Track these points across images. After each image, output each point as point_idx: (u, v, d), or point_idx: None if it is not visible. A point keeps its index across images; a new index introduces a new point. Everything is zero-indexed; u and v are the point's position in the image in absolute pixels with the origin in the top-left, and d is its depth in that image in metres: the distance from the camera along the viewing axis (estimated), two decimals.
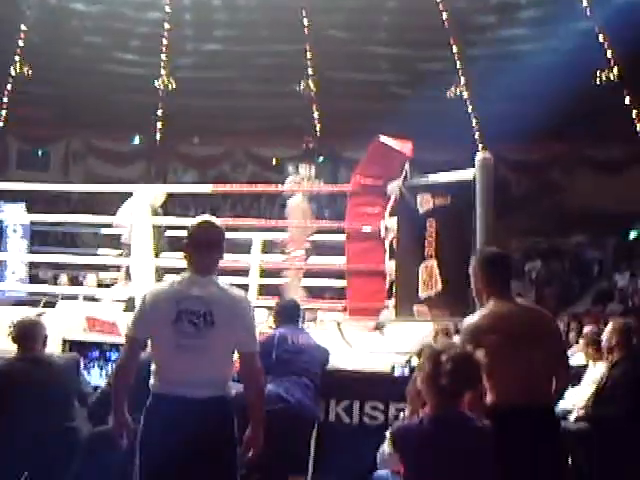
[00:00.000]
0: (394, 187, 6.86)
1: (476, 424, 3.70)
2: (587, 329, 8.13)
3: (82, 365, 5.95)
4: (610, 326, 6.88)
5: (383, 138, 7.12)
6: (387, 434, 3.80)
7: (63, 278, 12.51)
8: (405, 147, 7.18)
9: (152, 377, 4.16)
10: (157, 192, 8.86)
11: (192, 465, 3.99)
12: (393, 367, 5.51)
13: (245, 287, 8.65)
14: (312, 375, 5.88)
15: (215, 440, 4.04)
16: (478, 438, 3.67)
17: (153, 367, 4.18)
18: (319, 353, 6.07)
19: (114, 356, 6.01)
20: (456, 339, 4.93)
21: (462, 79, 22.70)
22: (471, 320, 4.33)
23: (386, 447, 3.81)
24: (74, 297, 9.59)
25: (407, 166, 7.06)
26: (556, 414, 4.50)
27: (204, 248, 4.25)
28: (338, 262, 8.03)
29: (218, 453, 4.06)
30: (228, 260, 8.60)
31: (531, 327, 4.29)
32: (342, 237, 7.79)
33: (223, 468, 4.10)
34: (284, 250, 8.69)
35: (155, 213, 8.52)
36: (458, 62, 22.40)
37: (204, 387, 4.05)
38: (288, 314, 6.23)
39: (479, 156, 6.46)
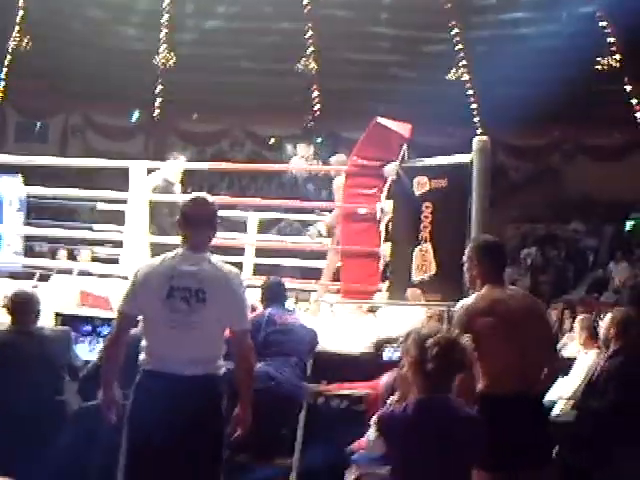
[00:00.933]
0: (391, 169, 6.83)
1: (462, 411, 3.69)
2: (582, 315, 8.12)
3: (73, 339, 5.97)
4: (609, 316, 6.87)
5: (381, 119, 7.08)
6: (373, 420, 3.80)
7: (62, 253, 12.45)
8: (404, 129, 7.14)
9: (142, 353, 4.16)
10: (176, 168, 8.81)
11: (179, 442, 3.99)
12: (382, 351, 5.51)
13: (240, 266, 8.67)
14: (301, 355, 5.90)
15: (202, 418, 4.05)
16: (464, 425, 3.64)
17: (144, 343, 4.18)
18: (307, 334, 6.08)
19: (106, 331, 6.01)
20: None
21: (463, 62, 22.61)
22: (467, 301, 4.35)
23: (372, 432, 3.81)
24: (69, 271, 9.57)
25: (405, 148, 7.03)
26: (544, 403, 4.51)
27: (197, 224, 4.25)
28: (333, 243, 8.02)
29: (205, 431, 4.07)
30: (225, 238, 8.65)
31: (523, 314, 4.31)
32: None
33: (209, 446, 4.11)
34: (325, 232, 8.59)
35: (167, 190, 8.45)
36: (459, 44, 22.32)
37: (194, 364, 4.05)
38: (275, 294, 6.24)
39: (476, 140, 6.43)
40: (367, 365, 5.66)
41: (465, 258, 4.58)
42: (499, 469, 4.07)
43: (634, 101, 21.85)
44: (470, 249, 4.60)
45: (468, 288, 4.64)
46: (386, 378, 5.22)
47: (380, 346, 5.44)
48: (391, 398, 4.18)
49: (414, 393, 3.73)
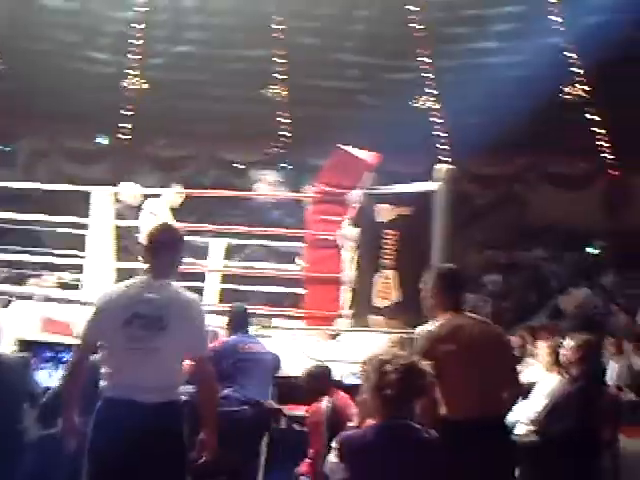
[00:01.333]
0: (355, 196, 6.88)
1: (422, 435, 3.70)
2: (544, 341, 8.16)
3: (34, 365, 5.92)
4: (570, 342, 6.95)
5: (345, 147, 7.14)
6: (333, 444, 3.80)
7: (32, 280, 12.20)
8: (369, 156, 7.20)
9: (103, 380, 4.15)
10: (175, 193, 8.87)
11: (140, 470, 3.98)
12: (341, 376, 5.54)
13: (203, 291, 8.67)
14: (265, 381, 5.91)
15: (163, 445, 4.04)
16: (423, 449, 3.66)
17: (104, 370, 4.16)
18: (270, 360, 6.09)
19: (67, 357, 5.96)
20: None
21: (430, 90, 22.82)
22: (427, 328, 4.36)
23: (332, 457, 3.80)
24: (31, 297, 9.49)
25: (369, 175, 7.09)
26: (507, 426, 4.54)
27: (160, 252, 4.25)
28: (297, 269, 8.05)
29: (166, 459, 4.05)
30: (190, 264, 8.64)
31: (483, 340, 4.35)
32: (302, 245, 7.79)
33: (172, 473, 4.09)
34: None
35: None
36: (427, 73, 22.53)
37: (154, 392, 4.05)
38: (239, 321, 6.25)
39: (441, 168, 6.50)
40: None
41: (424, 286, 4.62)
42: None
43: (598, 131, 22.17)
44: (429, 277, 4.63)
45: (428, 316, 4.65)
46: (325, 403, 5.27)
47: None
48: (349, 423, 4.20)
49: (374, 418, 3.74)
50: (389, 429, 3.65)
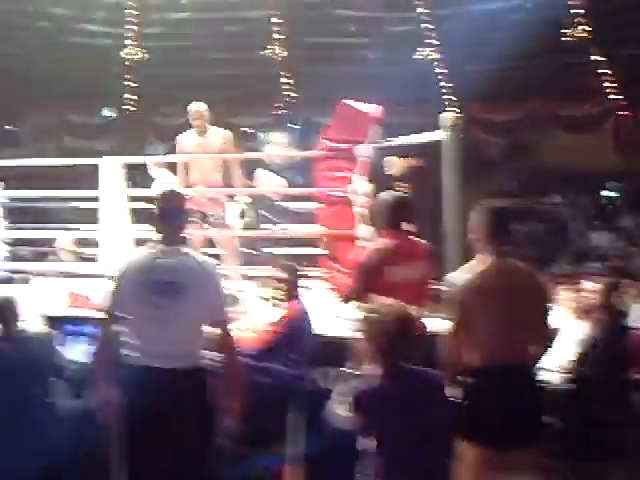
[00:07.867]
0: (362, 150, 6.85)
1: (428, 374, 3.99)
2: (568, 286, 8.14)
3: (59, 340, 5.99)
4: (593, 286, 6.94)
5: (349, 101, 7.11)
6: (340, 397, 4.01)
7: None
8: (372, 109, 7.17)
9: (126, 349, 4.19)
10: None
11: (166, 438, 4.03)
12: None
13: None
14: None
15: (188, 412, 4.08)
16: (432, 386, 3.96)
17: (127, 339, 4.21)
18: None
19: (89, 330, 6.03)
20: None
21: (431, 40, 22.61)
22: (458, 279, 4.31)
23: (340, 408, 3.95)
24: (49, 273, 9.55)
25: (376, 129, 7.06)
26: (532, 373, 4.51)
27: (169, 218, 4.28)
28: (311, 229, 8.02)
29: (192, 425, 4.10)
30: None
31: (517, 288, 4.27)
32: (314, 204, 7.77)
33: (197, 440, 4.13)
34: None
35: None
36: (426, 23, 22.31)
37: (176, 358, 4.10)
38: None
39: (446, 117, 6.49)
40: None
41: (470, 224, 4.55)
42: (489, 446, 4.10)
43: (603, 70, 21.94)
44: (477, 214, 4.56)
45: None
46: None
47: None
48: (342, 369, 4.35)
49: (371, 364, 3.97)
50: (397, 376, 3.88)
